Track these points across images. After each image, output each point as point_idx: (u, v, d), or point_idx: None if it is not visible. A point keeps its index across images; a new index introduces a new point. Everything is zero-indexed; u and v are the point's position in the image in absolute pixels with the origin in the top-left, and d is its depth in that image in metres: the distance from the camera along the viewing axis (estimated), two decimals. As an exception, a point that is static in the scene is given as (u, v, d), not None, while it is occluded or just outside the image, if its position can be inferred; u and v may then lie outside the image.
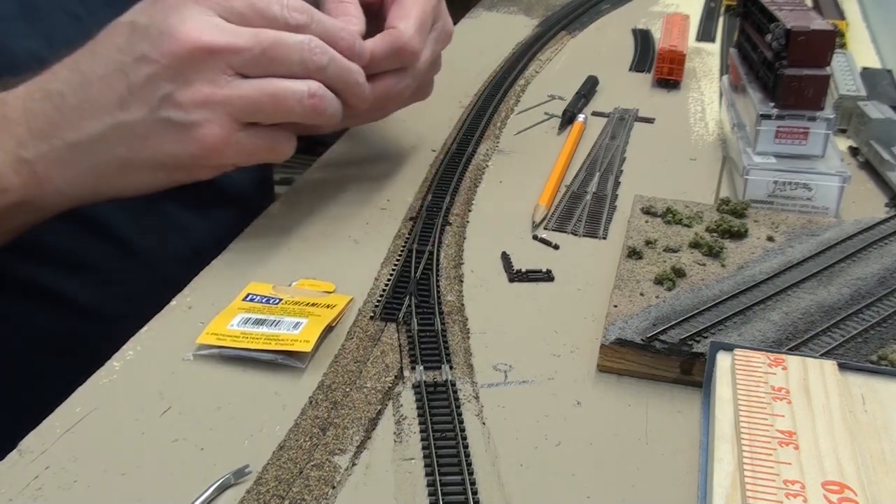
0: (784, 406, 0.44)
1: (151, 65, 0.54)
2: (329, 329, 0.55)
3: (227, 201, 0.66)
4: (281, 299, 0.57)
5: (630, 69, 1.07)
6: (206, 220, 0.63)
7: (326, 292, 0.59)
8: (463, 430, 0.47)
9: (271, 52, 0.55)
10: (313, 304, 0.57)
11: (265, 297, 0.57)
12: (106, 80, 0.54)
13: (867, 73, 0.96)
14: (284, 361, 0.52)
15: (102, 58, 0.55)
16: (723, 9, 1.33)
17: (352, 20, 0.63)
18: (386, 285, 0.60)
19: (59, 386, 0.50)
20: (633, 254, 0.61)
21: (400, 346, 0.54)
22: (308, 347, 0.52)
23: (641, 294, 0.56)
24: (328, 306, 0.57)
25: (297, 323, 0.54)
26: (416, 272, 0.61)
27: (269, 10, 0.56)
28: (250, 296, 0.57)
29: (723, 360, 0.48)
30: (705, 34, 1.22)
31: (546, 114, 0.92)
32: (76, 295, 0.70)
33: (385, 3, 0.68)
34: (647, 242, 0.62)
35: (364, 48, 0.61)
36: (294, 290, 0.59)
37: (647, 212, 0.67)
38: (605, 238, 0.68)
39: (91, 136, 0.55)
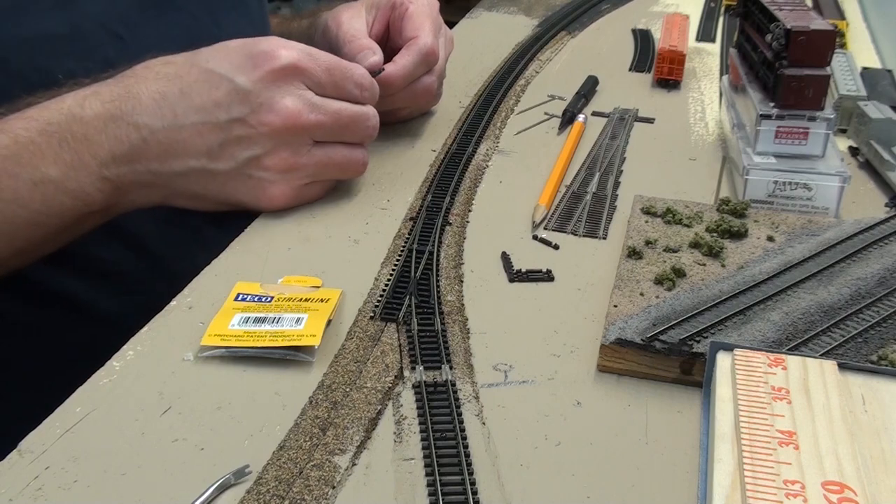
0: (784, 406, 0.44)
1: (248, 129, 0.62)
2: (328, 323, 0.55)
3: (248, 216, 0.68)
4: (272, 297, 0.57)
5: (630, 69, 1.07)
6: (229, 235, 0.65)
7: (315, 287, 0.60)
8: (463, 430, 0.47)
9: (346, 128, 0.67)
10: (307, 300, 0.57)
11: (256, 295, 0.57)
12: (199, 128, 0.61)
13: (867, 73, 0.96)
14: (294, 357, 0.52)
15: (197, 107, 0.61)
16: (723, 9, 1.33)
17: (368, 54, 0.76)
18: (386, 285, 0.60)
19: (68, 389, 0.50)
20: (633, 254, 0.61)
21: (400, 346, 0.54)
22: (316, 341, 0.53)
23: (641, 294, 0.56)
24: (322, 300, 0.57)
25: (299, 318, 0.54)
26: (416, 272, 0.61)
27: (347, 89, 0.66)
28: (241, 295, 0.57)
29: (723, 360, 0.48)
30: (705, 34, 1.22)
31: (546, 114, 0.92)
32: (101, 304, 0.71)
33: (393, 26, 0.83)
34: (647, 242, 0.62)
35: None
36: (282, 286, 0.59)
37: (647, 212, 0.67)
38: (605, 238, 0.68)
39: (174, 172, 0.62)
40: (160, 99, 0.61)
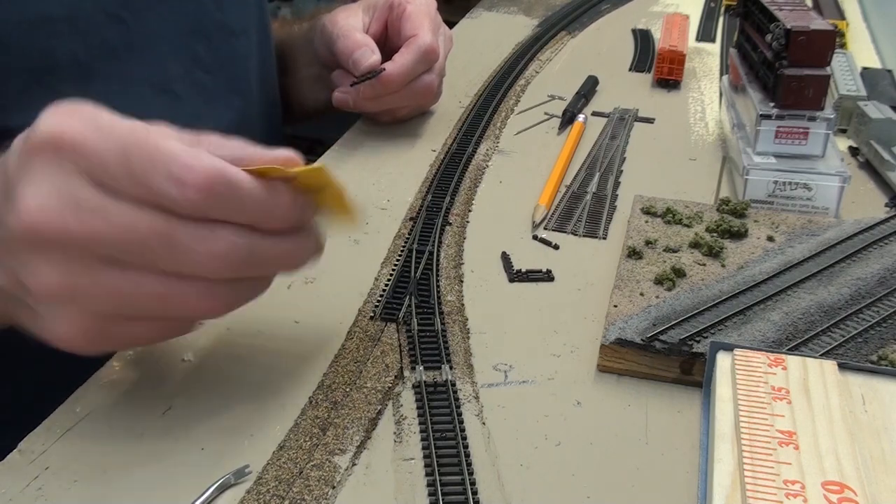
0: (784, 406, 0.44)
1: (3, 229, 0.41)
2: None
3: None
4: None
5: (630, 69, 1.07)
6: None
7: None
8: (463, 430, 0.47)
9: (148, 249, 0.41)
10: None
11: None
12: None
13: (867, 73, 0.96)
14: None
15: None
16: (723, 9, 1.33)
17: (367, 53, 0.76)
18: (386, 285, 0.60)
19: (70, 386, 0.50)
20: (633, 254, 0.61)
21: (400, 346, 0.54)
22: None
23: (641, 294, 0.56)
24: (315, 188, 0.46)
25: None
26: (416, 272, 0.61)
27: (154, 184, 0.40)
28: None
29: (723, 360, 0.48)
30: (705, 34, 1.22)
31: (546, 114, 0.92)
32: None
33: (391, 26, 0.82)
34: (647, 242, 0.62)
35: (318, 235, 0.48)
36: None
37: (647, 212, 0.67)
38: (605, 238, 0.68)
39: None
40: None
